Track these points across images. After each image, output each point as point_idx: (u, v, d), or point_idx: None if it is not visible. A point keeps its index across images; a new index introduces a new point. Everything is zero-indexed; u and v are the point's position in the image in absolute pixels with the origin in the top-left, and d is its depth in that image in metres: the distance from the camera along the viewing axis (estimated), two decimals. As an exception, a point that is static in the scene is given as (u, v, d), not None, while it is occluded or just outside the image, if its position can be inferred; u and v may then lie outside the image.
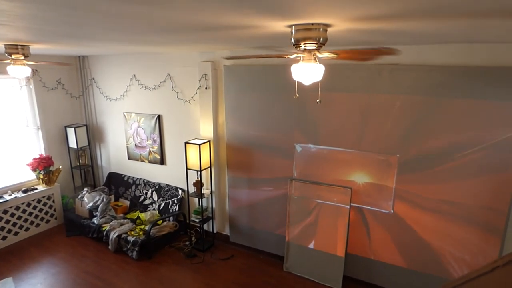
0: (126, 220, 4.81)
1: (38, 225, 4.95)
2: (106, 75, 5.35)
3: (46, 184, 5.02)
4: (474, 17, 1.53)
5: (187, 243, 4.65)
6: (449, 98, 3.00)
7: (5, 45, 2.96)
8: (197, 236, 4.75)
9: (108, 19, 1.66)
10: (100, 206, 4.87)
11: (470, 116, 2.95)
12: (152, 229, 4.44)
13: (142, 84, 4.98)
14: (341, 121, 3.56)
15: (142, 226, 4.67)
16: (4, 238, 4.55)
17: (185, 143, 4.24)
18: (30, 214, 4.84)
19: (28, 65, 3.26)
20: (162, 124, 4.96)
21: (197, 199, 4.62)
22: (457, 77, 2.94)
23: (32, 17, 1.61)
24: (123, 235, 4.45)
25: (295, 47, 1.89)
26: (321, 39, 1.80)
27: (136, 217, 4.89)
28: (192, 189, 4.49)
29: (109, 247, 4.51)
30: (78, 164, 5.63)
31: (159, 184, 5.11)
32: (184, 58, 4.47)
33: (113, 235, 4.47)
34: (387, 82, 3.24)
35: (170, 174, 5.05)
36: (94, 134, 5.79)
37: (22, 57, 3.10)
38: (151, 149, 5.14)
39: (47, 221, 5.08)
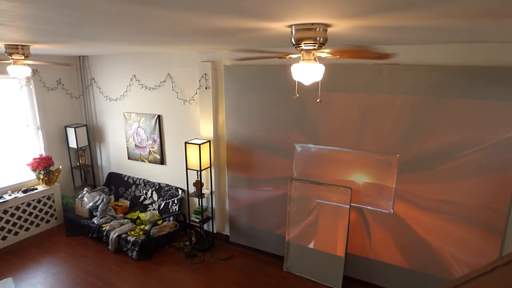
0: (126, 220, 4.81)
1: (38, 225, 4.95)
2: (106, 75, 5.35)
3: (46, 184, 5.02)
4: (474, 17, 1.53)
5: (187, 243, 4.66)
6: (449, 98, 3.00)
7: (5, 45, 2.96)
8: (197, 236, 4.75)
9: (108, 19, 1.66)
10: (100, 206, 4.87)
11: (470, 116, 2.95)
12: (152, 229, 4.44)
13: (142, 84, 4.99)
14: (341, 121, 3.56)
15: (142, 226, 4.67)
16: (4, 238, 4.55)
17: (185, 143, 4.24)
18: (30, 214, 4.84)
19: (28, 65, 3.27)
20: (162, 124, 4.96)
21: (197, 199, 4.62)
22: (457, 77, 2.94)
23: (32, 17, 1.61)
24: (123, 235, 4.45)
25: (295, 47, 1.89)
26: (321, 39, 1.80)
27: (136, 217, 4.89)
28: (192, 189, 4.49)
29: (109, 247, 4.51)
30: (78, 164, 5.64)
31: (159, 184, 5.11)
32: (184, 58, 4.47)
33: (113, 235, 4.47)
34: (387, 82, 3.24)
35: (170, 174, 5.05)
36: (94, 134, 5.79)
37: (22, 57, 3.11)
38: (151, 149, 5.14)
39: (47, 221, 5.08)
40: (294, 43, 1.85)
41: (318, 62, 1.96)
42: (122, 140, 5.46)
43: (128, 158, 5.44)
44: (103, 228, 4.62)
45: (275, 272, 4.10)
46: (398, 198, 3.43)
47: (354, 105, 3.45)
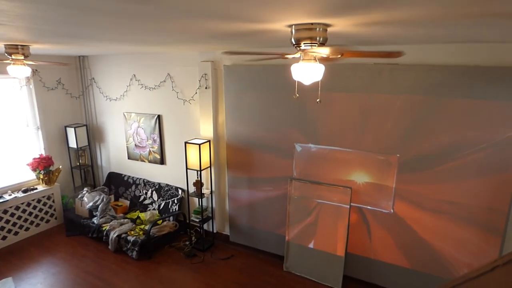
0: (126, 220, 4.81)
1: (38, 225, 4.95)
2: (106, 75, 5.35)
3: (46, 184, 5.02)
4: (474, 17, 1.53)
5: (187, 243, 4.66)
6: (449, 97, 3.00)
7: (5, 45, 2.96)
8: (197, 236, 4.75)
9: (108, 19, 1.66)
10: (100, 206, 4.87)
11: (470, 116, 2.95)
12: (152, 229, 4.44)
13: (142, 84, 4.98)
14: (341, 120, 3.56)
15: (142, 226, 4.67)
16: (4, 238, 4.55)
17: (185, 143, 4.24)
18: (30, 214, 4.84)
19: (28, 65, 3.26)
20: (162, 124, 4.96)
21: (197, 199, 4.62)
22: (457, 77, 2.94)
23: (32, 17, 1.61)
24: (123, 235, 4.45)
25: (295, 47, 1.89)
26: (321, 39, 1.80)
27: (136, 217, 4.89)
28: (192, 189, 4.49)
29: (109, 247, 4.51)
30: (78, 164, 5.63)
31: (159, 184, 5.11)
32: (184, 58, 4.47)
33: (113, 235, 4.47)
34: (387, 82, 3.24)
35: (170, 174, 5.05)
36: (94, 134, 5.79)
37: (22, 57, 3.11)
38: (151, 149, 5.14)
39: (47, 221, 5.08)
40: (294, 43, 1.85)
41: (318, 62, 1.96)
42: (122, 140, 5.46)
43: (128, 158, 5.44)
44: (103, 228, 4.62)
45: (275, 271, 4.11)
46: (398, 198, 3.43)
47: (354, 105, 3.45)
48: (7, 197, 4.59)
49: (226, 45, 3.36)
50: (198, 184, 4.36)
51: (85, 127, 5.56)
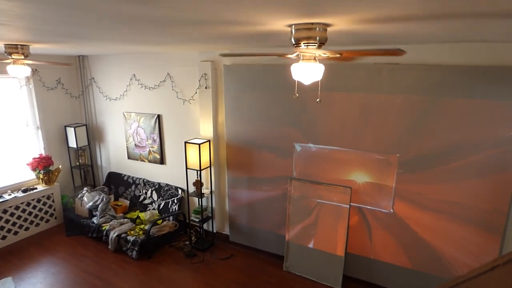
0: (126, 219, 4.81)
1: (37, 224, 4.95)
2: (106, 75, 5.35)
3: (45, 183, 5.02)
4: (474, 17, 1.53)
5: (187, 242, 4.66)
6: (449, 97, 3.00)
7: (5, 44, 2.96)
8: (197, 236, 4.75)
9: (108, 19, 1.66)
10: (99, 205, 4.87)
11: (470, 116, 2.95)
12: (151, 229, 4.44)
13: (142, 84, 4.98)
14: (341, 120, 3.56)
15: (142, 226, 4.67)
16: (3, 237, 4.55)
17: (185, 142, 4.24)
18: (30, 213, 4.84)
19: (28, 64, 3.26)
20: (162, 123, 4.96)
21: (197, 198, 4.62)
22: (457, 77, 2.94)
23: (32, 17, 1.61)
24: (123, 235, 4.45)
25: (295, 47, 1.89)
26: (321, 39, 1.80)
27: (136, 216, 4.89)
28: (192, 189, 4.49)
29: (109, 246, 4.51)
30: (77, 163, 5.63)
31: (159, 183, 5.11)
32: (184, 58, 4.47)
33: (113, 234, 4.47)
34: (387, 81, 3.24)
35: (170, 174, 5.05)
36: (93, 134, 5.79)
37: (22, 57, 3.10)
38: (150, 148, 5.14)
39: (47, 221, 5.08)
40: (294, 42, 1.85)
41: (317, 61, 1.96)
42: (121, 140, 5.46)
43: (128, 158, 5.44)
44: (103, 228, 4.62)
45: (275, 271, 4.11)
46: (398, 197, 3.43)
47: (354, 105, 3.45)
48: (6, 196, 4.59)
49: (226, 45, 3.36)
50: (198, 184, 4.36)
51: (85, 127, 5.56)
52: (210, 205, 4.65)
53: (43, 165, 4.90)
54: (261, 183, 4.23)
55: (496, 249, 3.06)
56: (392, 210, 3.49)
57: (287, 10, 1.39)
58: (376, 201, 3.55)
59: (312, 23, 1.72)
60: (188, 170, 4.33)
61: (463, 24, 1.75)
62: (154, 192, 5.11)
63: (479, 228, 3.09)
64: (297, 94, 2.37)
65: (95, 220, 4.79)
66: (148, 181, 5.22)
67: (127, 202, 5.32)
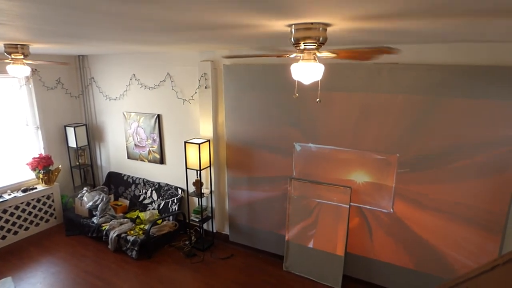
0: (125, 219, 4.81)
1: (37, 224, 4.95)
2: (106, 75, 5.34)
3: (45, 183, 5.01)
4: (473, 17, 1.53)
5: (187, 242, 4.66)
6: (449, 97, 3.00)
7: (4, 44, 2.95)
8: (197, 236, 4.75)
9: (108, 19, 1.66)
10: (99, 205, 4.87)
11: (471, 116, 2.95)
12: (151, 229, 4.44)
13: (141, 84, 4.98)
14: (340, 120, 3.56)
15: (142, 226, 4.67)
16: (3, 237, 4.55)
17: (185, 142, 4.24)
18: (30, 213, 4.84)
19: (27, 64, 3.26)
20: (162, 123, 4.96)
21: (196, 198, 4.62)
22: (457, 76, 2.94)
23: (32, 17, 1.61)
24: (123, 235, 4.45)
25: (295, 47, 1.89)
26: (320, 39, 1.79)
27: (135, 216, 4.89)
28: (191, 189, 4.49)
29: (109, 246, 4.51)
30: (77, 163, 5.63)
31: (158, 183, 5.11)
32: (184, 58, 4.47)
33: (112, 234, 4.47)
34: (386, 81, 3.24)
35: (169, 174, 5.05)
36: (93, 134, 5.79)
37: (22, 57, 3.10)
38: (150, 148, 5.14)
39: (47, 221, 5.08)
40: (293, 42, 1.85)
41: (317, 61, 1.96)
42: (121, 140, 5.46)
43: (128, 158, 5.44)
44: (103, 228, 4.62)
45: (275, 271, 4.11)
46: (398, 197, 3.43)
47: (353, 105, 3.45)
48: (6, 196, 4.59)
49: (226, 45, 3.36)
50: (198, 183, 4.36)
51: (84, 127, 5.56)
52: (210, 205, 4.65)
53: (43, 165, 4.90)
54: (261, 183, 4.23)
55: (496, 249, 3.06)
56: (392, 210, 3.49)
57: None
58: (376, 201, 3.55)
59: (311, 23, 1.72)
60: (188, 170, 4.33)
61: (463, 22, 1.75)
62: (154, 192, 5.11)
63: (479, 228, 3.09)
64: (297, 94, 2.36)
65: (95, 220, 4.79)
66: (148, 181, 5.22)
67: (127, 202, 5.32)
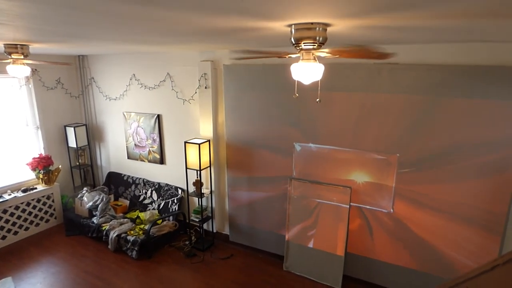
0: (125, 219, 4.81)
1: (37, 224, 4.95)
2: (106, 75, 5.34)
3: (45, 183, 5.01)
4: (474, 17, 1.53)
5: (187, 242, 4.66)
6: (449, 97, 3.00)
7: (4, 44, 2.95)
8: (197, 236, 4.75)
9: (108, 19, 1.66)
10: (99, 205, 4.87)
11: (471, 116, 2.95)
12: (151, 229, 4.44)
13: (141, 84, 4.98)
14: (340, 120, 3.56)
15: (142, 226, 4.67)
16: (3, 237, 4.55)
17: (185, 142, 4.24)
18: (30, 213, 4.84)
19: (27, 64, 3.26)
20: (162, 123, 4.96)
21: (196, 198, 4.62)
22: (457, 77, 2.94)
23: (32, 17, 1.61)
24: (123, 235, 4.45)
25: (295, 47, 1.89)
26: (320, 39, 1.79)
27: (135, 216, 4.89)
28: (191, 189, 4.49)
29: (109, 246, 4.51)
30: (77, 163, 5.63)
31: (158, 183, 5.11)
32: (184, 58, 4.47)
33: (112, 234, 4.47)
34: (386, 81, 3.24)
35: (169, 174, 5.05)
36: (93, 134, 5.79)
37: (22, 57, 3.10)
38: (150, 148, 5.14)
39: (47, 221, 5.08)
40: (293, 42, 1.85)
41: (317, 61, 1.96)
42: (121, 140, 5.46)
43: (128, 158, 5.44)
44: (103, 228, 4.62)
45: (275, 271, 4.11)
46: (398, 197, 3.43)
47: (353, 105, 3.45)
48: (6, 196, 4.59)
49: (226, 45, 3.36)
50: (198, 183, 4.36)
51: (84, 127, 5.56)
52: (210, 205, 4.65)
53: (43, 165, 4.90)
54: (261, 183, 4.23)
55: (496, 249, 3.06)
56: (392, 210, 3.49)
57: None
58: (376, 201, 3.55)
59: (312, 23, 1.72)
60: (188, 170, 4.33)
61: (464, 24, 1.75)
62: (154, 192, 5.11)
63: (479, 228, 3.09)
64: (297, 94, 2.37)
65: (95, 220, 4.79)
66: (148, 181, 5.22)
67: (127, 202, 5.31)
